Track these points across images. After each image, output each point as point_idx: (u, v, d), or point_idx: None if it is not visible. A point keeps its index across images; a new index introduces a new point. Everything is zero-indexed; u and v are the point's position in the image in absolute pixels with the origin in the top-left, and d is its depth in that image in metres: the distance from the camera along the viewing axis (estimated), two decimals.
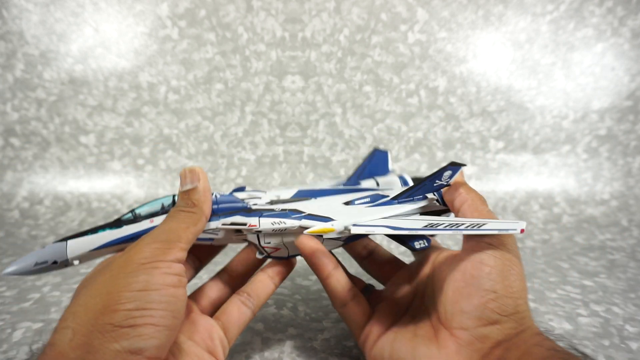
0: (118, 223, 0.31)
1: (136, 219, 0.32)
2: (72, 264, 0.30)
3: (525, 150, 0.84)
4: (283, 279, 0.35)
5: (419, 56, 0.83)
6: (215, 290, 0.35)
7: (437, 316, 0.31)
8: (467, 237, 0.31)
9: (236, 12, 0.80)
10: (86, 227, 0.72)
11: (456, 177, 0.34)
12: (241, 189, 0.36)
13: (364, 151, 0.83)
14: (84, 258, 0.31)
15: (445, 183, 0.34)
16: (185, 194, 0.31)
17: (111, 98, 0.81)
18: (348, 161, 0.84)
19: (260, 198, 0.35)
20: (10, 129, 0.80)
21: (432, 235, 0.37)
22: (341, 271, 0.34)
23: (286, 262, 0.35)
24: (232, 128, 0.83)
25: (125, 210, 0.77)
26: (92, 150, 0.81)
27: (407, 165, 0.84)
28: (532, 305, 0.48)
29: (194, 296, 0.35)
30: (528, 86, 0.84)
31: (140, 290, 0.25)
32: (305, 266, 0.57)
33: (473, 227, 0.28)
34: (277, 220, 0.32)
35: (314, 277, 0.54)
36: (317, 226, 0.31)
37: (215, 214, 0.33)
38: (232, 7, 0.80)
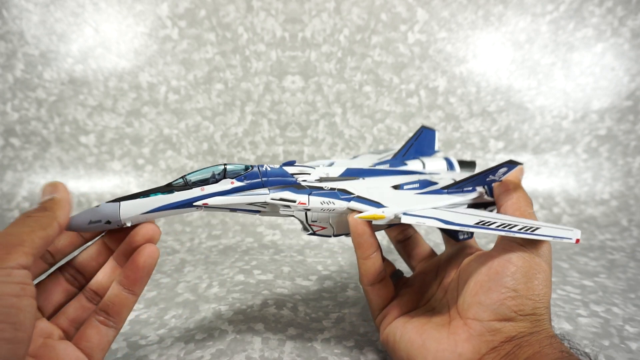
0: (169, 188, 0.31)
1: (187, 185, 0.31)
2: (124, 225, 0.30)
3: (525, 150, 0.84)
4: (143, 285, 0.31)
5: (419, 56, 0.83)
6: (77, 310, 0.31)
7: (455, 307, 0.31)
8: (500, 239, 0.31)
9: (236, 12, 0.80)
10: None
11: (513, 174, 0.34)
12: (291, 163, 0.36)
13: (364, 151, 0.83)
14: (135, 220, 0.30)
15: (497, 179, 0.35)
16: (41, 203, 0.28)
17: (111, 98, 0.81)
18: None
19: (309, 174, 0.35)
20: (10, 129, 0.80)
21: None
22: (379, 254, 0.35)
23: (136, 267, 0.30)
24: (232, 128, 0.83)
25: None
26: (92, 150, 0.81)
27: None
28: None
29: (56, 317, 0.31)
30: (528, 86, 0.84)
31: None
32: (306, 266, 0.58)
33: (526, 230, 0.28)
34: (326, 199, 0.32)
35: (314, 277, 0.54)
36: (368, 212, 0.31)
37: (264, 186, 0.32)
38: (232, 7, 0.80)
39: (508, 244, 0.30)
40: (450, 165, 0.42)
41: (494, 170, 0.33)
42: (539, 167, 0.84)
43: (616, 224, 0.76)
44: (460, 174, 0.42)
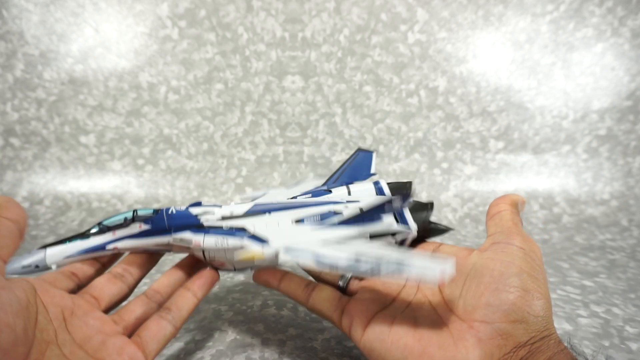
0: (86, 234, 0.34)
1: (101, 231, 0.34)
2: (51, 268, 0.34)
3: (525, 150, 0.84)
4: (207, 291, 0.36)
5: (419, 56, 0.83)
6: (139, 308, 0.34)
7: (446, 307, 0.30)
8: (493, 240, 0.31)
9: (236, 12, 0.80)
10: (85, 227, 0.72)
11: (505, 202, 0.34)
12: (197, 204, 0.38)
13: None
14: (60, 263, 0.34)
15: (399, 207, 0.35)
16: None
17: (111, 98, 0.81)
18: None
19: (213, 214, 0.36)
20: (10, 129, 0.80)
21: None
22: (290, 275, 0.36)
23: (209, 275, 0.36)
24: (232, 128, 0.83)
25: (124, 210, 0.77)
26: (92, 150, 0.81)
27: (407, 165, 0.84)
28: None
29: (118, 314, 0.33)
30: (528, 86, 0.84)
31: None
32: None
33: (393, 271, 0.27)
34: (220, 239, 0.34)
35: None
36: (248, 250, 0.33)
37: (169, 228, 0.35)
38: (232, 7, 0.80)
39: (503, 245, 0.30)
40: (379, 191, 0.39)
41: (381, 208, 0.34)
42: (539, 167, 0.84)
43: (616, 224, 0.76)
44: (377, 198, 0.38)
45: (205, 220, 0.35)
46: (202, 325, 0.42)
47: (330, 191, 0.40)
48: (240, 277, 0.54)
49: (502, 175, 0.84)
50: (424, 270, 0.26)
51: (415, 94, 0.84)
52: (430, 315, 0.30)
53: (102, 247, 0.34)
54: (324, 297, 0.34)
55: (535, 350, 0.25)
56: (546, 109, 0.84)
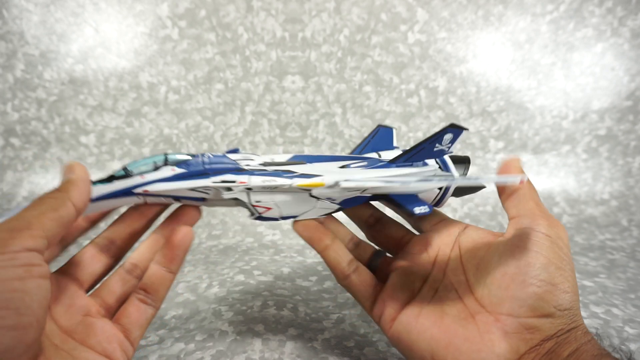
0: (110, 179, 0.31)
1: (127, 175, 0.31)
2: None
3: (525, 150, 0.84)
4: (180, 262, 0.32)
5: (419, 56, 0.83)
6: (120, 287, 0.32)
7: (472, 296, 0.29)
8: (517, 224, 0.30)
9: (236, 12, 0.80)
10: None
11: (515, 167, 0.33)
12: (234, 150, 0.35)
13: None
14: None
15: (446, 149, 0.34)
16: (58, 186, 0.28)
17: (111, 98, 0.81)
18: None
19: (253, 160, 0.34)
20: (10, 129, 0.80)
21: (437, 204, 0.37)
22: (338, 243, 0.34)
23: (172, 245, 0.32)
24: (232, 128, 0.83)
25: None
26: (92, 150, 0.81)
27: None
28: None
29: (99, 296, 0.31)
30: (528, 86, 0.84)
31: None
32: (306, 267, 0.58)
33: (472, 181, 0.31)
34: (268, 178, 0.32)
35: (314, 278, 0.54)
36: (308, 180, 0.31)
37: (206, 173, 0.32)
38: (232, 7, 0.80)
39: (528, 231, 0.29)
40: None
41: (438, 137, 0.33)
42: (539, 167, 0.84)
43: (616, 224, 0.76)
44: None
45: (246, 166, 0.33)
46: (202, 325, 0.42)
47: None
48: (240, 277, 0.54)
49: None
50: (502, 179, 0.30)
51: (415, 94, 0.84)
52: (456, 305, 0.30)
53: (129, 191, 0.31)
54: (362, 281, 0.34)
55: (562, 342, 0.25)
56: (546, 109, 0.84)
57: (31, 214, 0.25)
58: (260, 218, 0.34)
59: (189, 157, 0.32)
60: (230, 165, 0.33)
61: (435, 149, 0.33)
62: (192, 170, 0.32)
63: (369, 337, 0.40)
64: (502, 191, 0.33)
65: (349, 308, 0.46)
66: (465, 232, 0.34)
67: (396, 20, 0.81)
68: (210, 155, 0.33)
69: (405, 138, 0.84)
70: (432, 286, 0.32)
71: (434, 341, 0.29)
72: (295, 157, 0.36)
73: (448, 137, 0.33)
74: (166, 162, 0.31)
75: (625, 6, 0.80)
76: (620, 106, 0.83)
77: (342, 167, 0.35)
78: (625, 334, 0.42)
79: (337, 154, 0.44)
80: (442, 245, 0.34)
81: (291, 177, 0.32)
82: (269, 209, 0.33)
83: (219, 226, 0.74)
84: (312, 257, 0.62)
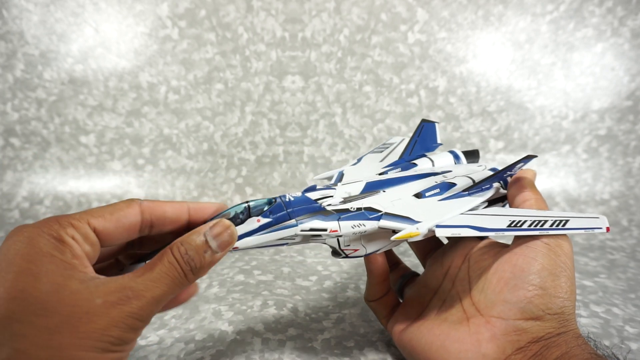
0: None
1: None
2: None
3: (525, 150, 0.84)
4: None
5: (419, 56, 0.83)
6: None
7: (470, 301, 0.30)
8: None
9: (236, 12, 0.80)
10: None
11: (527, 174, 0.35)
12: (312, 188, 0.35)
13: (364, 151, 0.83)
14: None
15: (513, 173, 0.35)
16: (203, 246, 0.26)
17: (111, 98, 0.81)
18: (348, 161, 0.84)
19: (332, 197, 0.34)
20: (10, 129, 0.80)
21: None
22: (388, 279, 0.36)
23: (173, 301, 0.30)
24: (232, 128, 0.83)
25: None
26: (92, 150, 0.81)
27: None
28: None
29: None
30: (528, 86, 0.84)
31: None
32: (306, 267, 0.58)
33: (557, 225, 0.29)
34: (356, 222, 0.31)
35: (314, 278, 0.54)
36: (403, 232, 0.30)
37: (291, 218, 0.31)
38: (232, 7, 0.80)
39: (528, 240, 0.29)
40: (456, 158, 0.43)
41: (512, 166, 0.34)
42: (539, 167, 0.84)
43: (616, 224, 0.76)
44: (467, 166, 0.43)
45: (328, 206, 0.32)
46: (202, 325, 0.42)
47: (415, 164, 0.42)
48: (240, 277, 0.54)
49: None
50: (586, 223, 0.29)
51: (415, 94, 0.84)
52: (457, 312, 0.31)
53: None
54: (387, 303, 0.37)
55: (551, 344, 0.25)
56: (546, 109, 0.84)
57: (161, 296, 0.23)
58: (347, 257, 0.33)
59: (271, 202, 0.31)
60: (313, 207, 0.32)
61: (505, 175, 0.36)
62: (277, 217, 0.30)
63: (369, 337, 0.40)
64: (512, 201, 0.34)
65: (349, 308, 0.46)
66: (478, 244, 0.35)
67: (396, 20, 0.81)
68: (291, 198, 0.32)
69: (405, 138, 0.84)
70: (441, 297, 0.34)
71: (428, 345, 0.30)
72: (367, 185, 0.36)
73: (519, 165, 0.34)
74: (250, 213, 0.30)
75: (625, 6, 0.80)
76: (620, 106, 0.83)
77: (417, 195, 0.35)
78: (625, 333, 0.42)
79: (378, 158, 0.44)
80: (455, 259, 0.35)
81: (377, 219, 0.32)
82: (356, 250, 0.33)
83: None
84: (312, 257, 0.62)
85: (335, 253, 0.33)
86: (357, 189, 0.35)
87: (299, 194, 0.33)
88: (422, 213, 0.32)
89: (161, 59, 0.81)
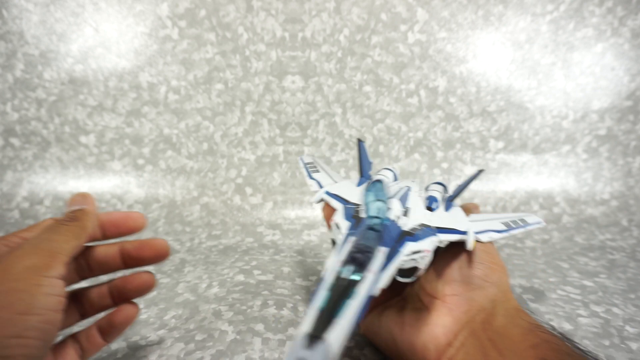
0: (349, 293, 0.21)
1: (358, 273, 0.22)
2: None
3: (525, 150, 0.84)
4: (114, 338, 0.34)
5: (419, 56, 0.83)
6: None
7: (425, 292, 0.34)
8: None
9: (236, 12, 0.80)
10: None
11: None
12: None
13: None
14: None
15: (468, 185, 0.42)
16: (70, 212, 0.29)
17: (111, 98, 0.81)
18: (348, 161, 0.84)
19: (400, 217, 0.30)
20: (10, 129, 0.80)
21: None
22: None
23: (112, 324, 0.33)
24: (232, 128, 0.83)
25: (125, 210, 0.77)
26: (92, 150, 0.81)
27: (407, 165, 0.84)
28: (532, 305, 0.48)
29: None
30: (528, 86, 0.84)
31: (20, 313, 0.21)
32: (306, 267, 0.57)
33: (522, 223, 0.37)
34: (430, 240, 0.28)
35: (314, 278, 0.54)
36: (470, 241, 0.30)
37: (395, 245, 0.26)
38: (232, 7, 0.80)
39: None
40: (394, 177, 0.44)
41: (471, 180, 0.41)
42: (539, 167, 0.84)
43: (616, 224, 0.76)
44: (407, 180, 0.43)
45: (404, 225, 0.29)
46: (202, 325, 0.42)
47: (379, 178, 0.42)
48: (240, 277, 0.54)
49: (502, 175, 0.84)
50: (531, 219, 0.38)
51: (415, 94, 0.84)
52: (416, 302, 0.34)
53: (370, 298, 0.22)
54: None
55: (496, 313, 0.29)
56: (546, 109, 0.84)
57: (59, 237, 0.26)
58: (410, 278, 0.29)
59: (380, 230, 0.26)
60: (399, 230, 0.29)
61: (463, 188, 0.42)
62: (390, 247, 0.26)
63: None
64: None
65: None
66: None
67: (396, 20, 0.81)
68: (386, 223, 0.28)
69: (405, 138, 0.84)
70: (403, 297, 0.37)
71: (391, 326, 0.33)
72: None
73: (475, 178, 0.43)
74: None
75: (625, 6, 0.80)
76: (620, 106, 0.83)
77: (428, 208, 0.37)
78: (625, 333, 0.42)
79: (339, 155, 0.46)
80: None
81: (435, 234, 0.30)
82: (418, 268, 0.29)
83: (219, 226, 0.74)
84: (312, 257, 0.62)
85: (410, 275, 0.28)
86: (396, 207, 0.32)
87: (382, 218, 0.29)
88: (451, 224, 0.33)
89: (161, 59, 0.81)
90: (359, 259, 0.22)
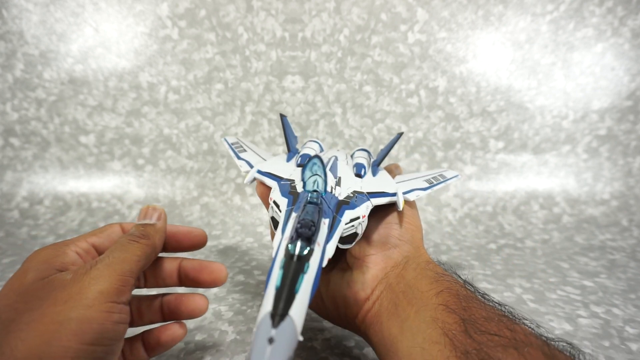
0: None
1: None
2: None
3: (525, 150, 0.84)
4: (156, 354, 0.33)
5: (419, 56, 0.83)
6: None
7: (350, 254, 0.35)
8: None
9: (236, 12, 0.80)
10: (86, 228, 0.72)
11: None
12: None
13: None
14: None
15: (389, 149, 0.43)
16: (141, 226, 0.30)
17: (111, 98, 0.81)
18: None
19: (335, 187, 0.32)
20: (10, 129, 0.80)
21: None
22: None
23: (157, 342, 0.33)
24: (232, 128, 0.83)
25: (124, 211, 0.77)
26: (92, 150, 0.81)
27: (407, 165, 0.84)
28: (532, 305, 0.48)
29: None
30: (528, 86, 0.84)
31: (88, 344, 0.21)
32: None
33: (442, 179, 0.39)
34: (365, 205, 0.31)
35: None
36: (400, 202, 0.33)
37: (334, 213, 0.28)
38: (232, 7, 0.80)
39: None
40: (320, 148, 0.44)
41: (391, 145, 0.42)
42: (539, 167, 0.84)
43: (616, 224, 0.76)
44: (335, 150, 0.45)
45: (339, 195, 0.31)
46: (202, 325, 0.42)
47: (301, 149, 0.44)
48: (240, 277, 0.54)
49: (502, 175, 0.84)
50: (448, 174, 0.41)
51: (415, 94, 0.84)
52: (342, 264, 0.36)
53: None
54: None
55: (408, 267, 0.32)
56: (546, 109, 0.84)
57: (131, 258, 0.26)
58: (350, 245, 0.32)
59: (316, 203, 0.27)
60: (335, 199, 0.30)
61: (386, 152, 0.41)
62: (329, 217, 0.27)
63: None
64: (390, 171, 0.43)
65: None
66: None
67: (396, 20, 0.81)
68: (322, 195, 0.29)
69: (405, 138, 0.84)
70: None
71: (320, 287, 0.35)
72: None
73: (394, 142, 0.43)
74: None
75: (625, 6, 0.80)
76: (620, 106, 0.83)
77: (357, 175, 0.38)
78: (625, 334, 0.42)
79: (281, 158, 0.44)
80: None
81: (367, 198, 0.33)
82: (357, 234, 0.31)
83: (219, 226, 0.74)
84: None
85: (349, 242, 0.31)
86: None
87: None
88: (381, 187, 0.35)
89: (161, 59, 0.81)
90: (305, 234, 0.23)
